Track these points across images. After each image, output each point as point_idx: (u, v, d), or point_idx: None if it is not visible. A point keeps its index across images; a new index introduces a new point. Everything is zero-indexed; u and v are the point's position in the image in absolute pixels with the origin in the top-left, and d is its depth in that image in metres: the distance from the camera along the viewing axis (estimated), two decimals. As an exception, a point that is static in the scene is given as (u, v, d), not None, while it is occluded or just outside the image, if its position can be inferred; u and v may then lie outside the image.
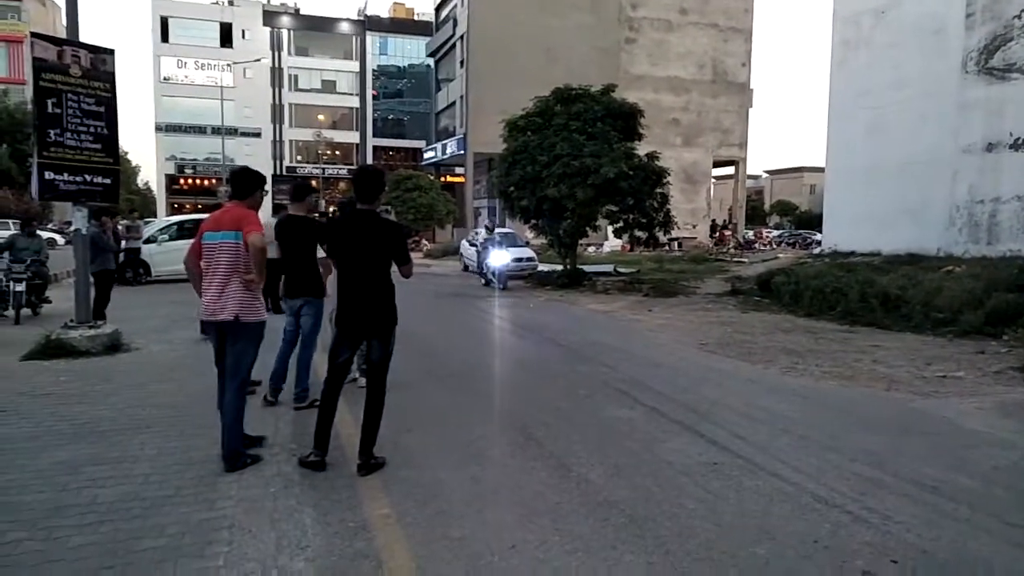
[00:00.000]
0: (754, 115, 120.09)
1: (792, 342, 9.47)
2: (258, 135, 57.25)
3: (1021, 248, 13.18)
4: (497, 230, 19.74)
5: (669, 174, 17.91)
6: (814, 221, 41.68)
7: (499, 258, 17.67)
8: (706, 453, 4.89)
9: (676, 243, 35.52)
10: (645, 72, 42.42)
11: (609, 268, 21.83)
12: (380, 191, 4.41)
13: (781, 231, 57.24)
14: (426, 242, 38.77)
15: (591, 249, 31.20)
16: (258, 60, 53.10)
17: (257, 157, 51.01)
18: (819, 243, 25.53)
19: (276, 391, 6.03)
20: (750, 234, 47.15)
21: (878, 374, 7.55)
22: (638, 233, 18.20)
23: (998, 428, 5.59)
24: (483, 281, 18.58)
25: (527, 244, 22.19)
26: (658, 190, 17.34)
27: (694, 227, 42.41)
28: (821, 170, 21.89)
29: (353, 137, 60.20)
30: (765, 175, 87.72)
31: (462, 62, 41.25)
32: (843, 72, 19.21)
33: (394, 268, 4.44)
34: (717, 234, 43.86)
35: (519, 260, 19.30)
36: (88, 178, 8.26)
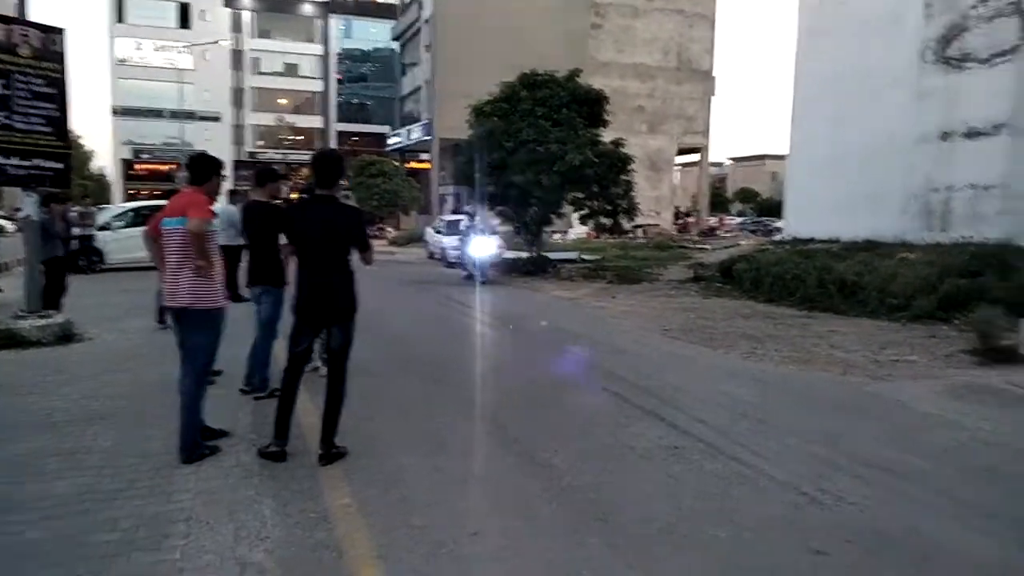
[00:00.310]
0: (718, 103, 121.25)
1: (752, 328, 9.62)
2: (218, 119, 56.04)
3: (972, 235, 13.52)
4: (478, 216, 19.08)
5: (634, 161, 17.99)
6: (776, 208, 42.27)
7: (482, 247, 15.68)
8: (668, 437, 4.95)
9: (640, 230, 35.75)
10: (611, 58, 42.44)
11: (574, 255, 21.90)
12: (339, 176, 4.35)
13: (743, 218, 58.00)
14: (390, 229, 38.45)
15: (556, 236, 31.28)
16: (217, 42, 51.86)
17: (217, 142, 49.92)
18: (780, 230, 25.93)
19: (260, 380, 5.88)
20: (713, 221, 47.68)
21: (835, 358, 7.71)
22: (603, 220, 18.26)
23: (948, 410, 5.75)
24: (464, 273, 16.40)
25: (495, 231, 22.10)
26: (623, 177, 17.41)
27: (658, 214, 42.71)
28: (784, 158, 22.19)
29: (316, 122, 59.31)
30: (729, 163, 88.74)
31: (427, 46, 40.80)
32: (807, 60, 19.43)
33: (356, 255, 4.38)
34: (681, 221, 44.28)
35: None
36: (38, 162, 7.99)
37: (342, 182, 4.46)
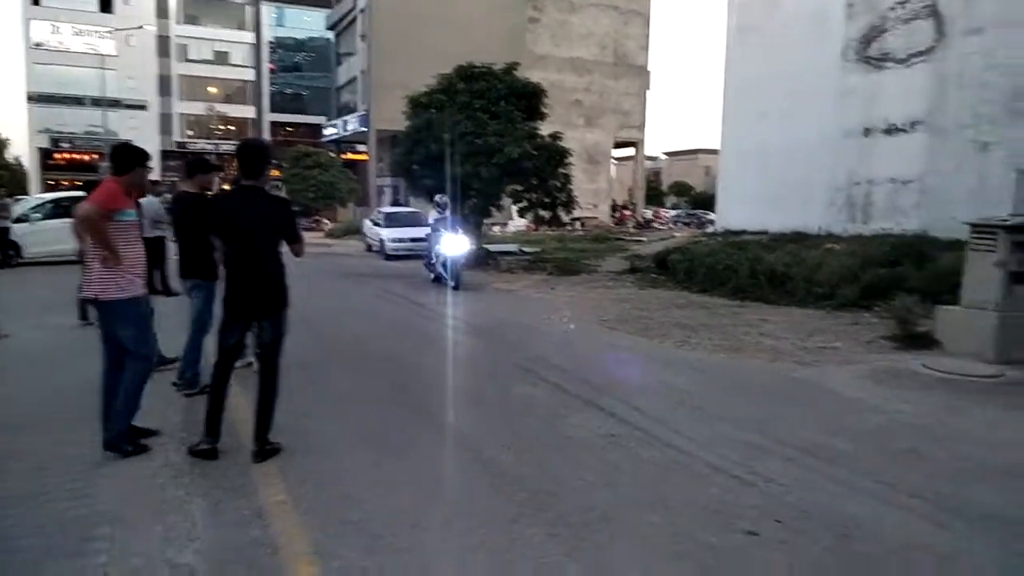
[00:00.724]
0: (654, 98, 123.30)
1: (686, 317, 9.84)
2: (143, 108, 53.84)
3: (892, 226, 14.15)
4: (403, 209, 18.55)
5: (572, 154, 18.14)
6: (709, 201, 43.32)
7: (453, 244, 13.17)
8: (605, 426, 5.02)
9: (579, 222, 36.11)
10: (548, 52, 42.60)
11: (514, 248, 21.96)
12: (265, 166, 4.23)
13: (678, 211, 59.19)
14: (327, 221, 37.77)
15: (496, 229, 31.29)
16: (140, 28, 49.76)
17: (143, 131, 48.00)
18: (712, 222, 26.58)
19: (191, 376, 5.70)
20: (649, 214, 48.51)
21: (765, 346, 7.96)
22: (542, 213, 18.36)
23: (870, 394, 6.01)
24: (431, 275, 14.00)
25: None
26: (561, 170, 17.53)
27: (596, 207, 43.17)
28: (717, 152, 22.73)
29: (249, 112, 57.63)
30: (664, 157, 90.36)
31: (363, 36, 40.12)
32: (737, 58, 19.94)
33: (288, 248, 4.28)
34: (618, 214, 44.89)
35: (415, 240, 18.72)
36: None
37: (271, 172, 4.34)
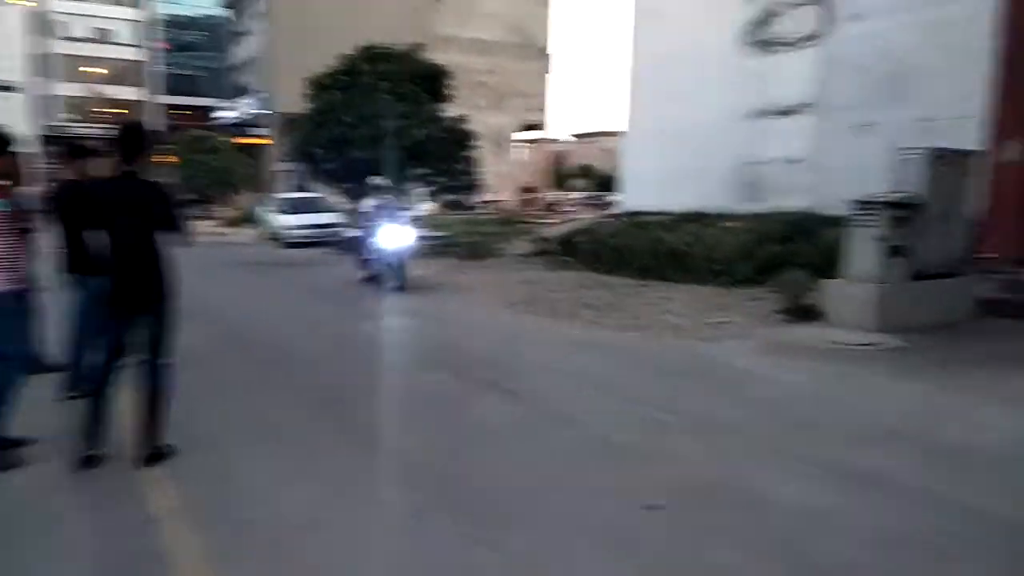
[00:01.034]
0: (562, 81, 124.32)
1: (593, 298, 10.00)
2: (12, 89, 49.81)
3: (784, 204, 14.82)
4: (304, 195, 17.87)
5: (478, 137, 18.09)
6: (612, 183, 44.24)
7: (395, 236, 10.79)
8: (514, 410, 5.03)
9: (487, 205, 36.11)
10: (453, 34, 42.19)
11: (423, 232, 21.69)
12: (144, 150, 3.95)
13: (584, 193, 60.10)
14: (223, 208, 36.19)
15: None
16: (4, 2, 45.91)
17: (14, 114, 44.44)
18: (617, 204, 27.10)
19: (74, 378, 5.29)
20: (555, 196, 49.06)
21: (668, 323, 8.18)
22: (449, 196, 18.24)
23: (765, 365, 6.29)
24: (364, 274, 11.56)
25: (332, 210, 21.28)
26: (467, 153, 17.46)
27: (503, 190, 43.31)
28: (621, 134, 23.13)
29: (138, 93, 54.32)
30: (571, 139, 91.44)
31: (262, 14, 38.50)
32: (642, 40, 20.30)
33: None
34: (525, 197, 45.16)
35: (318, 227, 18.22)
36: None
37: (151, 157, 4.06)
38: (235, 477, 3.83)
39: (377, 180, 12.10)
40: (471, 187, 17.79)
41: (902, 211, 7.49)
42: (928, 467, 3.97)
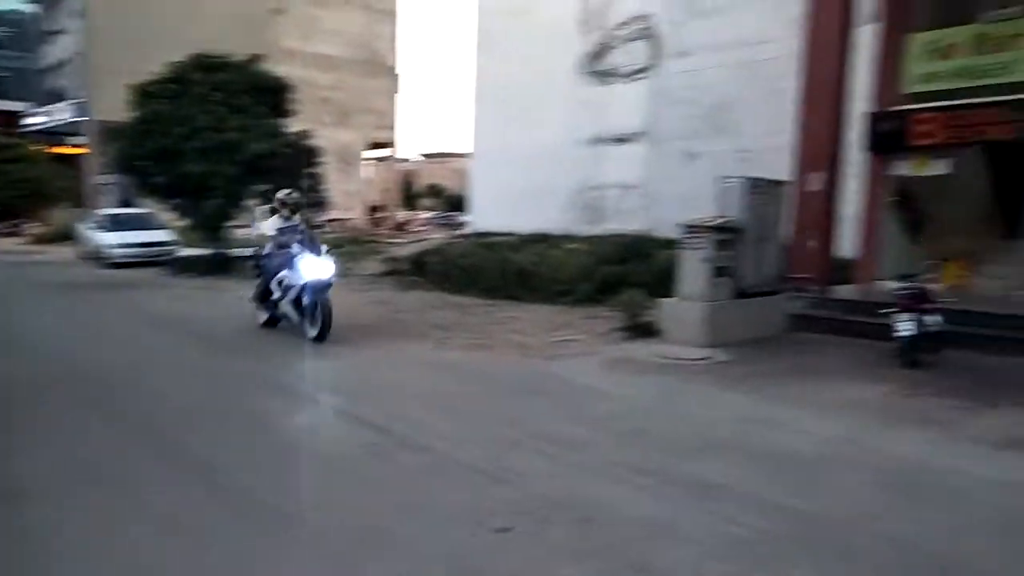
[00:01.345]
0: (413, 100, 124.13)
1: (442, 318, 9.99)
2: None
3: (622, 228, 15.66)
4: (130, 211, 16.35)
5: (322, 153, 17.60)
6: (462, 204, 44.76)
7: (315, 268, 8.07)
8: (364, 436, 4.88)
9: (334, 224, 35.20)
10: (296, 47, 40.93)
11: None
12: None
13: (434, 213, 60.27)
14: (34, 224, 32.62)
15: (242, 231, 29.36)
16: None
17: None
18: (466, 224, 27.40)
19: None
20: (405, 216, 48.82)
21: (514, 343, 8.33)
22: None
23: (605, 382, 6.57)
24: (263, 317, 9.02)
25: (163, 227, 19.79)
26: (311, 170, 16.93)
27: (350, 209, 42.48)
28: (470, 155, 23.40)
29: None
30: (421, 158, 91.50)
31: (79, 12, 35.30)
32: (487, 64, 20.76)
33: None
34: (374, 216, 44.55)
35: (146, 245, 16.92)
36: None
37: None
38: (55, 531, 3.42)
39: (284, 195, 9.17)
40: (316, 205, 17.20)
41: (725, 235, 8.15)
42: (751, 472, 4.29)
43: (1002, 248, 9.91)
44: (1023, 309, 8.07)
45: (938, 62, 10.00)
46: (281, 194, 9.24)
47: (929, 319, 7.10)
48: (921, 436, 5.03)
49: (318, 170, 17.18)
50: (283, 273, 8.43)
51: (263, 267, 8.98)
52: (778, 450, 4.74)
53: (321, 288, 8.01)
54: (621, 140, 16.89)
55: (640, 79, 16.43)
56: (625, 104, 16.70)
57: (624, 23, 16.89)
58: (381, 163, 54.10)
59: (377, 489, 3.99)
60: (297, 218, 8.99)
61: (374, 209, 45.94)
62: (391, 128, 46.76)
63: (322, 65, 42.55)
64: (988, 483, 4.20)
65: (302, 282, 8.05)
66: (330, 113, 42.32)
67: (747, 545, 3.36)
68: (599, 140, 17.27)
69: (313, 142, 17.17)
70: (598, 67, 17.44)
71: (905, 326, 7.08)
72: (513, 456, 4.50)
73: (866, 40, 10.24)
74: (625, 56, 16.81)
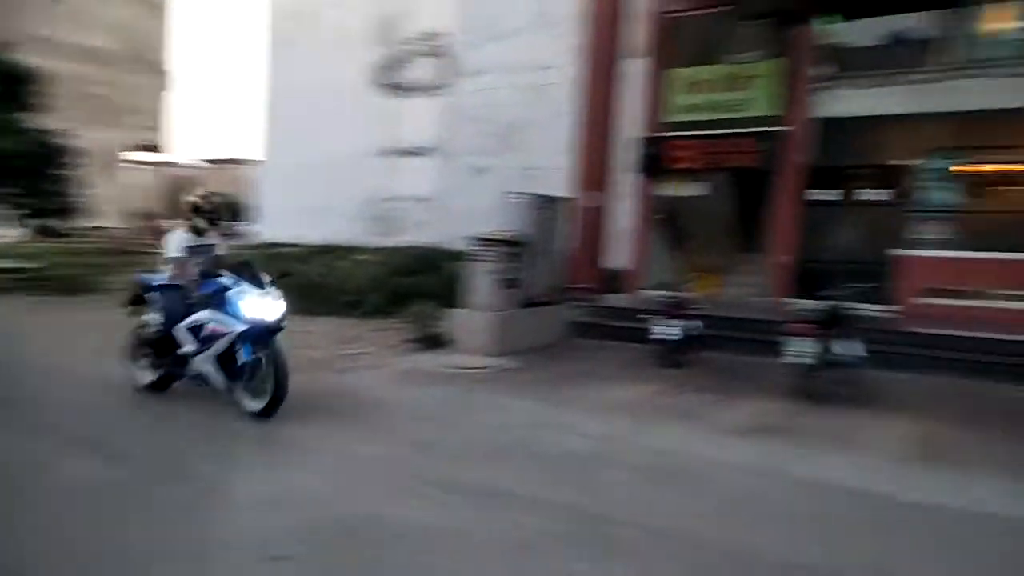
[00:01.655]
0: (189, 101, 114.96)
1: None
2: None
3: (413, 239, 15.69)
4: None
5: (78, 154, 15.74)
6: (245, 212, 42.29)
7: (255, 307, 5.64)
8: (115, 474, 4.37)
9: (93, 232, 31.56)
10: (53, 36, 36.33)
11: (8, 264, 17.97)
12: None
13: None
14: None
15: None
16: None
17: None
18: (253, 235, 25.92)
19: None
20: (172, 225, 45.19)
21: (307, 357, 7.95)
22: (40, 220, 15.49)
23: (396, 393, 6.52)
24: (146, 378, 6.27)
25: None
26: (62, 172, 15.07)
27: (114, 215, 38.42)
28: (257, 163, 22.20)
29: None
30: (202, 164, 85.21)
31: None
32: (278, 70, 19.81)
33: None
34: (143, 224, 40.64)
35: None
36: None
37: None
38: None
39: (199, 198, 6.36)
40: (68, 210, 15.31)
41: (512, 248, 8.46)
42: (535, 475, 4.45)
43: (745, 260, 11.33)
44: (760, 314, 9.25)
45: (695, 95, 11.24)
46: (195, 197, 6.35)
47: (691, 324, 7.90)
48: (684, 429, 5.57)
49: (74, 172, 15.33)
50: (202, 315, 5.75)
51: (159, 305, 6.15)
52: (560, 452, 4.97)
53: (265, 336, 5.62)
54: (414, 153, 16.93)
55: (434, 94, 16.61)
56: (418, 118, 16.78)
57: (416, 38, 17.00)
58: (153, 167, 49.69)
59: (145, 520, 3.58)
60: (214, 234, 6.46)
61: (143, 217, 41.90)
62: (161, 129, 43.10)
63: (84, 57, 38.23)
64: (732, 468, 4.73)
65: (239, 328, 5.57)
66: (92, 111, 38.07)
67: (529, 548, 3.46)
68: (392, 152, 17.18)
69: (71, 141, 15.30)
70: (391, 80, 17.37)
71: (665, 331, 7.81)
72: (294, 478, 4.27)
73: (637, 71, 11.23)
74: (417, 71, 16.92)
